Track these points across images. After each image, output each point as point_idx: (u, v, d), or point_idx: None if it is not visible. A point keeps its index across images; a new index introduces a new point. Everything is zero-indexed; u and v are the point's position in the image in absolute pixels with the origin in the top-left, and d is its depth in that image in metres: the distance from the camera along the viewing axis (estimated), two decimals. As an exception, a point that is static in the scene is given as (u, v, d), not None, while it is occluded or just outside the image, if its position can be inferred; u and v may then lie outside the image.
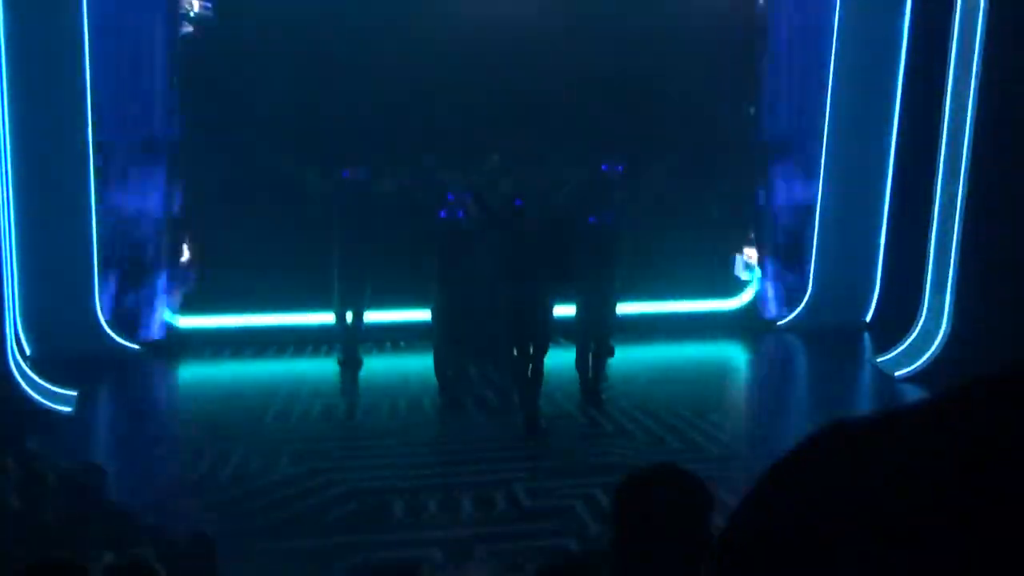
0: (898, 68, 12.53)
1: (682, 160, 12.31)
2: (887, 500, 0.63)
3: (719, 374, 11.20)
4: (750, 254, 13.05)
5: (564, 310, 9.93)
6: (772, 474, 0.71)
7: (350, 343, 10.87)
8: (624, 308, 10.57)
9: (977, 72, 10.20)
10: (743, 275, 13.05)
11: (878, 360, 11.27)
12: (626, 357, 11.31)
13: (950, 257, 10.57)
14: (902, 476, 0.64)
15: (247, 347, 11.66)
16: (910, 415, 0.69)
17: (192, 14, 11.68)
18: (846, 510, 0.64)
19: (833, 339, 12.24)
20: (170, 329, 11.79)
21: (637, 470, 2.60)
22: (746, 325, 12.72)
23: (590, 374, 9.81)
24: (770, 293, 12.99)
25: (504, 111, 11.73)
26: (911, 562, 0.60)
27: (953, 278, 10.54)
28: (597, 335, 9.85)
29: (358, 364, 10.83)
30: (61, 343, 10.73)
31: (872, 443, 0.68)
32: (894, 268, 12.71)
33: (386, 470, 7.92)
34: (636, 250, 10.35)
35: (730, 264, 13.10)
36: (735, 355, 11.86)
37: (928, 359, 10.63)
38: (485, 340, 10.41)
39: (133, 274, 11.60)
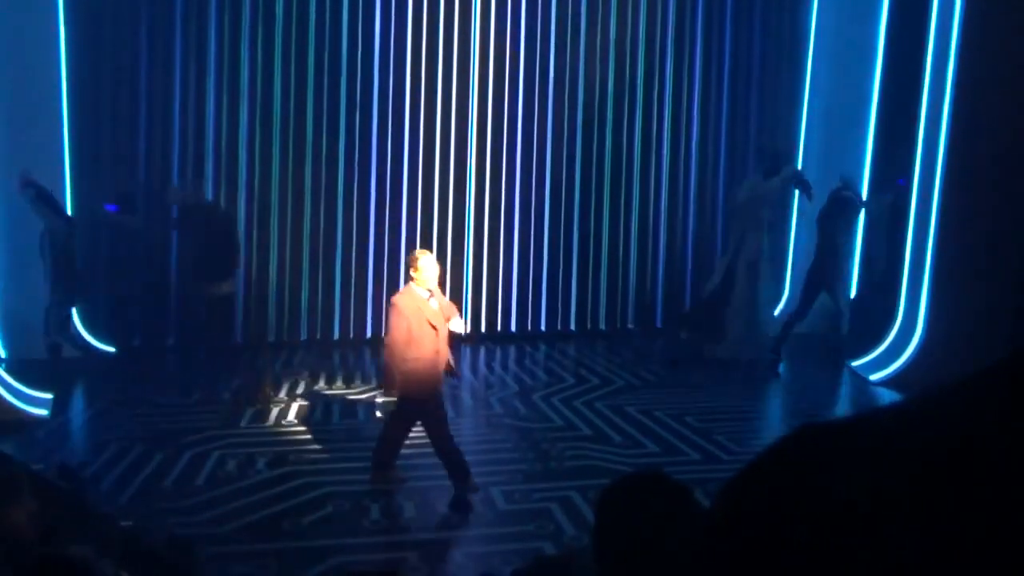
0: (874, 78, 12.59)
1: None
2: (856, 501, 0.64)
3: (695, 378, 11.22)
4: None
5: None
6: (743, 476, 0.72)
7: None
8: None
9: (952, 82, 10.27)
10: None
11: (853, 364, 11.33)
12: (593, 361, 11.32)
13: (925, 263, 10.64)
14: (870, 478, 0.65)
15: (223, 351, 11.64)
16: (879, 418, 0.70)
17: None
18: (816, 511, 0.66)
19: (809, 344, 12.29)
20: None
21: (620, 476, 2.60)
22: None
23: None
24: None
25: None
26: (878, 562, 0.62)
27: (928, 284, 10.61)
28: None
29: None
30: (37, 347, 10.65)
31: (841, 445, 0.69)
32: (870, 274, 12.77)
33: (362, 473, 7.90)
34: None
35: None
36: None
37: (903, 364, 10.69)
38: None
39: None
